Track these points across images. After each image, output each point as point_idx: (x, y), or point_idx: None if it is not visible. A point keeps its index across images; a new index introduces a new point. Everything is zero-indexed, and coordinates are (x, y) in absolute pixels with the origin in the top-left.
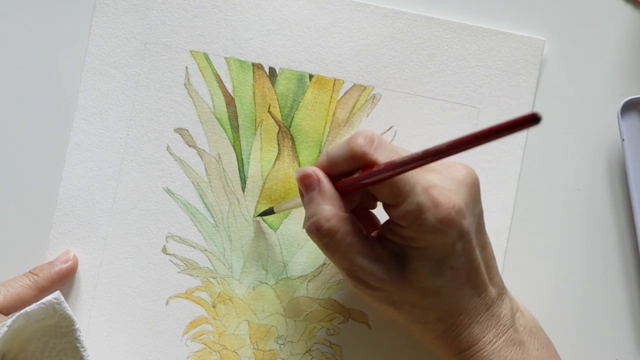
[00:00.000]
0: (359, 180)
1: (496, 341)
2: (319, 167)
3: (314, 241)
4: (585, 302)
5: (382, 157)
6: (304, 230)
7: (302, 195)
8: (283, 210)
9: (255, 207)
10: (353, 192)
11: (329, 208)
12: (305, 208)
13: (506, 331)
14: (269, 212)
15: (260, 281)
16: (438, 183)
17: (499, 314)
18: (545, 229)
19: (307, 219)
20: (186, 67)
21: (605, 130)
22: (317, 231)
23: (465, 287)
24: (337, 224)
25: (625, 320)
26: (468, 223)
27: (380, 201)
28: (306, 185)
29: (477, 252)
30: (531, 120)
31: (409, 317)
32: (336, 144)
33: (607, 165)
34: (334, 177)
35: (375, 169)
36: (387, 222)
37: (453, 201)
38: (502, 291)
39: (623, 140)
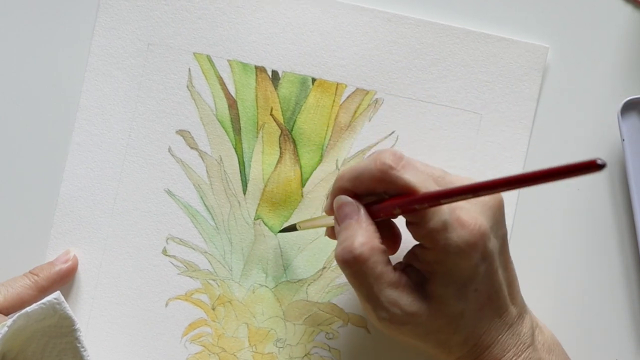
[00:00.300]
0: (393, 207)
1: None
2: (340, 184)
3: (343, 269)
4: (585, 302)
5: (410, 174)
6: (305, 234)
7: (337, 222)
8: (309, 228)
9: (256, 210)
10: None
11: (364, 234)
12: (338, 235)
13: (525, 349)
14: (292, 229)
15: (260, 284)
16: (464, 205)
17: (519, 332)
18: (546, 229)
19: (339, 244)
20: (189, 69)
21: (605, 130)
22: (350, 255)
23: (487, 308)
24: (368, 251)
25: (625, 320)
26: (492, 245)
27: (407, 219)
28: (345, 213)
29: (500, 274)
30: (593, 167)
31: (434, 343)
32: (360, 162)
33: (607, 165)
34: (355, 195)
35: (416, 205)
36: (411, 249)
37: (479, 223)
38: (522, 310)
39: (623, 140)
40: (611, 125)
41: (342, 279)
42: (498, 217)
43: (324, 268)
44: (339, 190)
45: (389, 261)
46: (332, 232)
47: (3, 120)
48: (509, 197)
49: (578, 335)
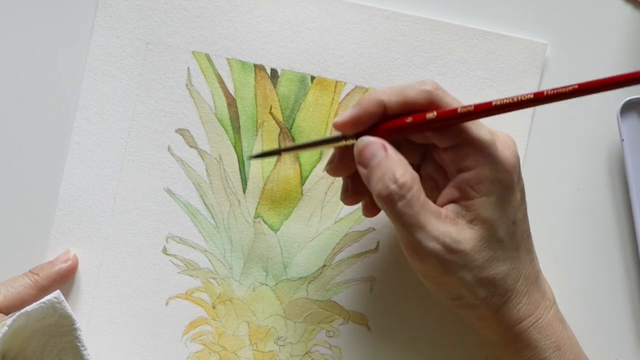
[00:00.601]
0: (441, 120)
1: (546, 314)
2: (375, 95)
3: (386, 203)
4: (585, 302)
5: (449, 98)
6: (305, 232)
7: (363, 164)
8: (296, 147)
9: (256, 208)
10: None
11: (401, 167)
12: (371, 174)
13: (552, 306)
14: (275, 152)
15: (260, 282)
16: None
17: (544, 288)
18: (546, 229)
19: (378, 179)
20: (188, 68)
21: (605, 130)
22: (395, 184)
23: (521, 249)
24: (411, 180)
25: (625, 320)
26: (521, 180)
27: (446, 144)
28: (370, 153)
29: (527, 216)
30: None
31: (476, 286)
32: (401, 86)
33: (607, 165)
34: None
35: (458, 110)
36: (446, 185)
37: (514, 147)
38: (539, 270)
39: (623, 140)
40: (611, 125)
41: (343, 276)
42: (518, 158)
43: (324, 266)
44: (373, 102)
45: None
46: (348, 195)
47: (3, 120)
48: None
49: (578, 335)
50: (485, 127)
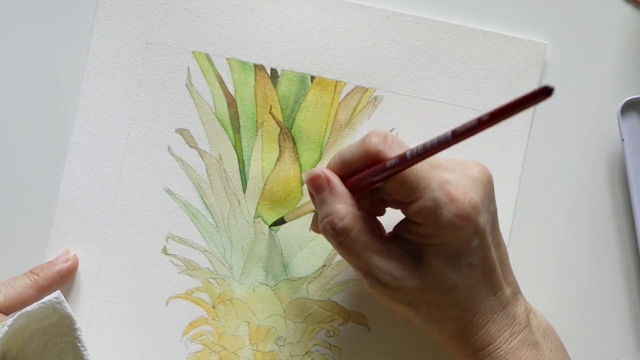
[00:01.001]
0: (370, 175)
1: (512, 341)
2: (331, 168)
3: (329, 241)
4: (585, 302)
5: (395, 153)
6: (305, 232)
7: (312, 198)
8: (295, 218)
9: (256, 208)
10: (362, 196)
11: (342, 207)
12: (317, 210)
13: (521, 331)
14: (281, 222)
15: (260, 282)
16: (453, 180)
17: (514, 313)
18: (546, 229)
19: (320, 219)
20: (188, 68)
21: (605, 130)
22: (332, 230)
23: (482, 285)
24: (350, 222)
25: (625, 320)
26: (484, 220)
27: (395, 199)
28: (316, 186)
29: (493, 250)
30: (541, 94)
31: (426, 316)
32: (349, 146)
33: (607, 165)
34: (346, 179)
35: (387, 163)
36: (402, 221)
37: (469, 197)
38: (516, 291)
39: (623, 140)
40: (611, 125)
41: (342, 276)
42: (488, 191)
43: (324, 266)
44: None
45: (373, 228)
46: (316, 226)
47: (3, 120)
48: (508, 197)
49: (578, 335)
50: (434, 181)
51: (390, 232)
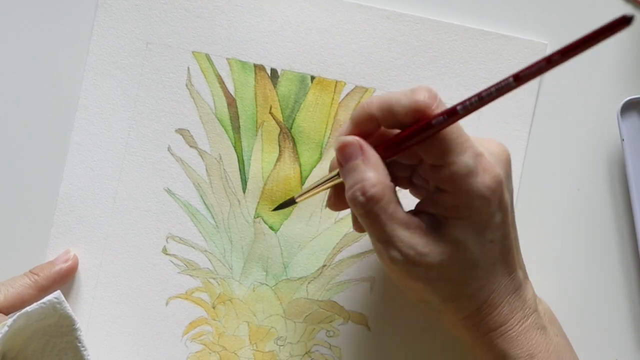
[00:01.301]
0: (415, 134)
1: (523, 323)
2: (364, 109)
3: (356, 210)
4: (585, 302)
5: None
6: (305, 232)
7: (340, 166)
8: (307, 199)
9: (256, 208)
10: (389, 166)
11: (374, 175)
12: (345, 177)
13: (531, 314)
14: (291, 202)
15: (260, 282)
16: (485, 152)
17: (525, 296)
18: (546, 229)
19: (350, 186)
20: (188, 68)
21: (605, 130)
22: (363, 197)
23: (499, 264)
24: (381, 191)
25: (625, 320)
26: (507, 197)
27: (429, 161)
28: (348, 154)
29: (510, 230)
30: (622, 22)
31: (443, 295)
32: (396, 93)
33: (607, 165)
34: (378, 133)
35: (434, 120)
36: (427, 195)
37: (497, 171)
38: (526, 275)
39: (623, 140)
40: (611, 125)
41: (342, 276)
42: (508, 170)
43: (324, 266)
44: (363, 117)
45: (399, 201)
46: (335, 202)
47: (3, 120)
48: None
49: (578, 335)
50: (470, 149)
51: (411, 210)
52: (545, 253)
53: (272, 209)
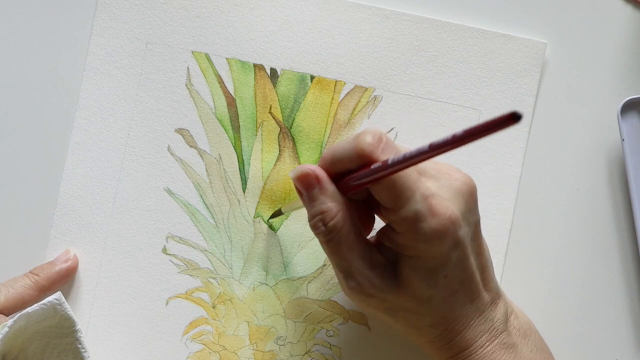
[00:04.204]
0: (358, 177)
1: (488, 345)
2: (321, 165)
3: (318, 237)
4: (585, 302)
5: (388, 156)
6: (305, 231)
7: (300, 194)
8: (292, 210)
9: (256, 208)
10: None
11: (334, 205)
12: (306, 206)
13: (499, 335)
14: (278, 213)
15: (260, 282)
16: (436, 191)
17: (492, 318)
18: (546, 229)
19: (312, 216)
20: (187, 68)
21: (605, 130)
22: (324, 227)
23: (459, 294)
24: (341, 220)
25: (625, 320)
26: (463, 232)
27: (380, 202)
28: (305, 184)
29: (472, 260)
30: (511, 119)
31: (403, 322)
32: (342, 141)
33: (607, 165)
34: (335, 177)
35: (375, 165)
36: (383, 227)
37: (450, 211)
38: (496, 296)
39: (623, 140)
40: (611, 125)
41: None
42: (470, 203)
43: (324, 265)
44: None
45: (360, 231)
46: None
47: (3, 120)
48: (508, 197)
49: (578, 335)
50: (419, 192)
51: (372, 238)
52: (545, 253)
53: (267, 219)
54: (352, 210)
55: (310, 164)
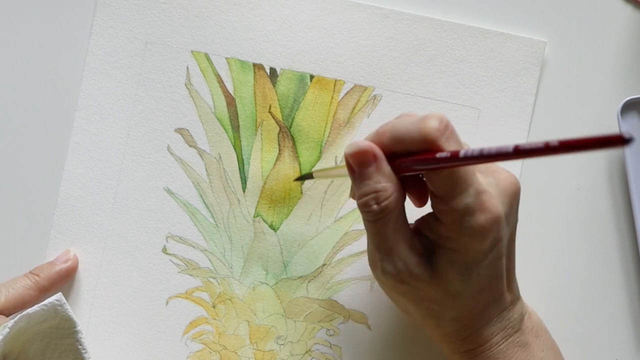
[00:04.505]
0: (419, 162)
1: (502, 342)
2: (375, 141)
3: (366, 216)
4: (585, 302)
5: (452, 145)
6: (305, 231)
7: (351, 171)
8: (324, 178)
9: (256, 208)
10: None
11: (389, 185)
12: (357, 183)
13: (513, 334)
14: (308, 176)
15: (260, 281)
16: (488, 189)
17: (509, 317)
18: (546, 229)
19: (363, 193)
20: (187, 67)
21: (605, 130)
22: (377, 206)
23: (486, 292)
24: (394, 202)
25: (625, 320)
26: (504, 233)
27: (431, 189)
28: (361, 161)
29: (504, 261)
30: (619, 140)
31: (425, 312)
32: (403, 121)
33: (607, 165)
34: (388, 155)
35: (438, 154)
36: (425, 216)
37: (498, 210)
38: (515, 297)
39: None
40: (611, 125)
41: (342, 275)
42: (514, 205)
43: (324, 265)
44: (376, 143)
45: (406, 217)
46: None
47: (2, 120)
48: None
49: (578, 335)
50: (473, 187)
51: (412, 225)
52: (545, 253)
53: (295, 179)
54: (403, 193)
55: (366, 141)
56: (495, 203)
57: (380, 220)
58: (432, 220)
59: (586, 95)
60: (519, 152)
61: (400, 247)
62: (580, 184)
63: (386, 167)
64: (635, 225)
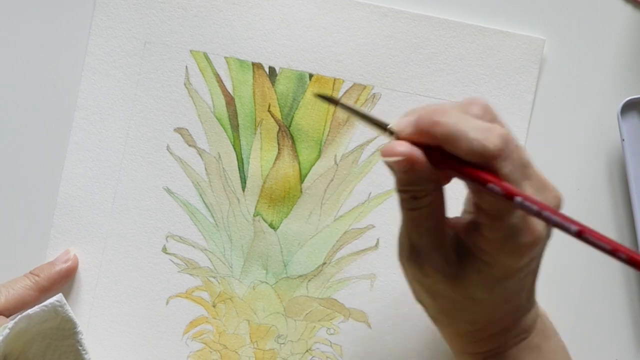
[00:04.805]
0: (469, 178)
1: (514, 346)
2: (426, 126)
3: (403, 204)
4: (585, 302)
5: (508, 168)
6: (305, 230)
7: (391, 169)
8: (349, 114)
9: (255, 207)
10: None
11: (429, 185)
12: (396, 180)
13: (526, 338)
14: (334, 101)
15: (260, 280)
16: None
17: (524, 322)
18: None
19: (403, 190)
20: (186, 67)
21: (605, 130)
22: (415, 201)
23: (508, 303)
24: (432, 198)
25: (625, 320)
26: (540, 250)
27: (478, 201)
28: (402, 168)
29: (531, 276)
30: None
31: (441, 308)
32: (462, 121)
33: (607, 165)
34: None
35: (494, 187)
36: (467, 223)
37: (540, 232)
38: (532, 303)
39: (623, 140)
40: (611, 125)
41: (343, 274)
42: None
43: (324, 263)
44: (428, 137)
45: (444, 212)
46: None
47: (2, 120)
48: None
49: (578, 335)
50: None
51: (453, 218)
52: (545, 253)
53: (317, 95)
54: (443, 190)
55: (407, 145)
56: (541, 225)
57: (416, 210)
58: (472, 228)
59: (586, 94)
60: (580, 237)
61: (431, 240)
62: (580, 184)
63: (427, 170)
64: (635, 225)
